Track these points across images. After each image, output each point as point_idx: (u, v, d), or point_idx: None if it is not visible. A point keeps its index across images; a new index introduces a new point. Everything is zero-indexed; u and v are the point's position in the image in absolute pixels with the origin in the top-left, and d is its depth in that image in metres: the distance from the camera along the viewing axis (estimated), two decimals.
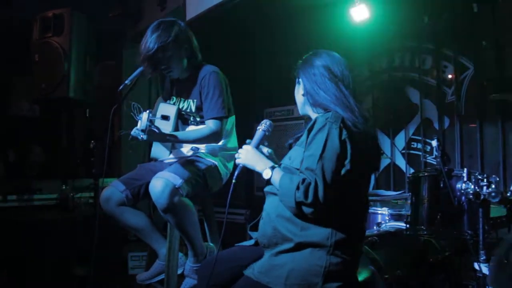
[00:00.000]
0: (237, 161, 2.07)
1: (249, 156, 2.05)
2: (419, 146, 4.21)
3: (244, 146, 2.10)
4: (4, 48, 4.82)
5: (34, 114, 5.29)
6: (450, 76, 4.04)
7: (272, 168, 1.97)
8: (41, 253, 4.01)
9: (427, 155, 4.14)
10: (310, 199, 1.76)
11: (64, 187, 4.39)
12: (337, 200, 1.81)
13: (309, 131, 1.93)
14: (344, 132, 1.85)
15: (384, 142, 4.38)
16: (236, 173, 2.06)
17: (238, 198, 4.82)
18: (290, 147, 2.17)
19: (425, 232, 2.69)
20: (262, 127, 2.17)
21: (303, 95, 2.10)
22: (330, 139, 1.83)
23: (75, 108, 5.03)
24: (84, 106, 4.62)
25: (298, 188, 1.79)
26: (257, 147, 2.12)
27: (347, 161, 1.83)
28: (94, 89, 4.62)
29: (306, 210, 1.80)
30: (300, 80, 2.11)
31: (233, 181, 2.07)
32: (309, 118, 2.14)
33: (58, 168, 4.96)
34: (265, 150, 2.19)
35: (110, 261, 3.93)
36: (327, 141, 1.83)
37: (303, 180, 1.80)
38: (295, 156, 1.99)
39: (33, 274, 3.92)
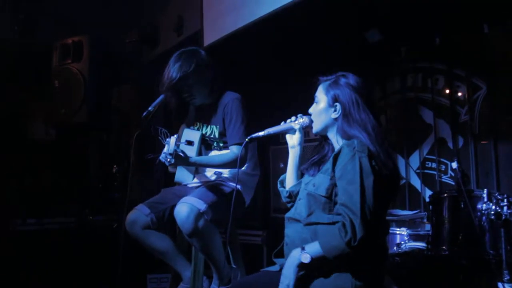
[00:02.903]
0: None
1: (284, 273, 1.93)
2: (434, 165, 4.22)
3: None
4: (24, 74, 4.93)
5: (51, 139, 5.36)
6: (462, 96, 4.08)
7: (302, 249, 1.90)
8: (60, 276, 4.05)
9: (442, 175, 4.16)
10: (359, 234, 1.77)
11: (82, 211, 4.45)
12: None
13: (335, 158, 1.96)
14: (373, 161, 1.89)
15: (399, 162, 4.40)
16: None
17: (255, 219, 4.84)
18: (307, 170, 2.19)
19: (447, 252, 2.71)
20: None
21: (334, 119, 2.08)
22: (364, 169, 1.86)
23: (92, 133, 5.11)
24: (101, 130, 4.70)
25: (345, 232, 1.79)
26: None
27: (378, 188, 1.85)
28: (111, 114, 4.71)
29: (356, 243, 1.79)
30: (335, 103, 2.07)
31: None
32: (323, 137, 2.17)
33: (77, 192, 5.02)
34: None
35: (128, 283, 3.95)
36: (362, 172, 1.85)
37: (343, 223, 1.81)
38: (319, 183, 1.99)
39: None
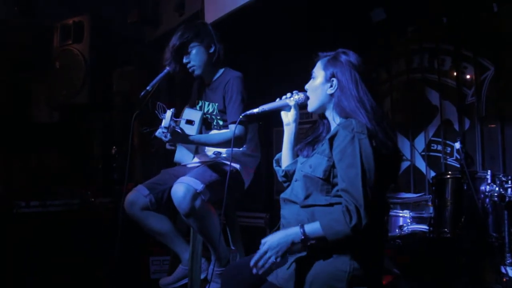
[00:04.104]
0: (276, 259, 1.84)
1: (274, 240, 1.86)
2: (439, 148, 4.17)
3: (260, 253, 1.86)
4: (25, 55, 4.90)
5: (54, 120, 5.35)
6: (470, 77, 4.00)
7: (301, 227, 1.82)
8: (62, 258, 4.07)
9: (448, 157, 4.10)
10: (364, 221, 1.74)
11: (85, 192, 4.44)
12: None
13: (331, 140, 1.90)
14: (373, 141, 1.83)
15: (404, 144, 4.35)
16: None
17: (258, 201, 4.82)
18: (301, 151, 2.14)
19: (449, 235, 2.67)
20: None
21: (330, 95, 2.02)
22: (364, 151, 1.80)
23: (94, 114, 5.09)
24: (103, 112, 4.67)
25: (351, 218, 1.74)
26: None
27: (379, 169, 1.81)
28: (113, 95, 4.68)
29: (361, 229, 1.75)
30: (332, 78, 2.02)
31: None
32: (321, 115, 2.12)
33: (79, 173, 5.02)
34: None
35: (131, 266, 3.96)
36: (362, 154, 1.79)
37: (347, 208, 1.76)
38: (316, 164, 1.93)
39: (56, 277, 3.97)
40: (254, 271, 1.85)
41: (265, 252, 1.84)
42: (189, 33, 2.80)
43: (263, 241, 1.87)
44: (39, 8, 4.85)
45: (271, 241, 1.85)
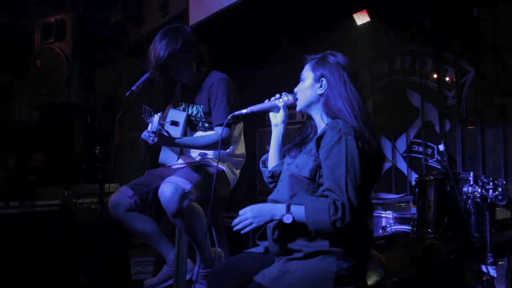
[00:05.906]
0: (250, 224, 1.90)
1: (258, 206, 1.94)
2: (420, 149, 4.23)
3: (243, 211, 1.94)
4: (6, 53, 4.81)
5: (34, 120, 5.27)
6: (450, 80, 4.07)
7: (288, 207, 1.86)
8: (43, 259, 4.01)
9: (429, 158, 4.17)
10: (347, 219, 1.74)
11: (66, 193, 4.39)
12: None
13: (318, 141, 1.91)
14: (359, 142, 1.85)
15: (386, 146, 4.41)
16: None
17: (241, 202, 4.81)
18: (288, 152, 2.15)
19: (432, 235, 2.70)
20: None
21: (320, 95, 2.03)
22: (350, 152, 1.81)
23: (75, 114, 5.02)
24: (85, 111, 4.62)
25: (335, 211, 1.75)
26: None
27: (364, 169, 1.82)
28: (95, 94, 4.63)
29: (341, 225, 1.76)
30: (321, 78, 2.03)
31: None
32: (308, 116, 2.13)
33: (60, 174, 4.95)
34: None
35: (112, 267, 3.92)
36: (348, 154, 1.81)
37: (334, 202, 1.77)
38: (302, 164, 1.95)
39: (35, 280, 3.92)
40: (234, 229, 1.94)
41: (245, 214, 1.91)
42: (173, 44, 2.69)
43: None
44: (20, 5, 4.77)
45: (255, 206, 1.93)
